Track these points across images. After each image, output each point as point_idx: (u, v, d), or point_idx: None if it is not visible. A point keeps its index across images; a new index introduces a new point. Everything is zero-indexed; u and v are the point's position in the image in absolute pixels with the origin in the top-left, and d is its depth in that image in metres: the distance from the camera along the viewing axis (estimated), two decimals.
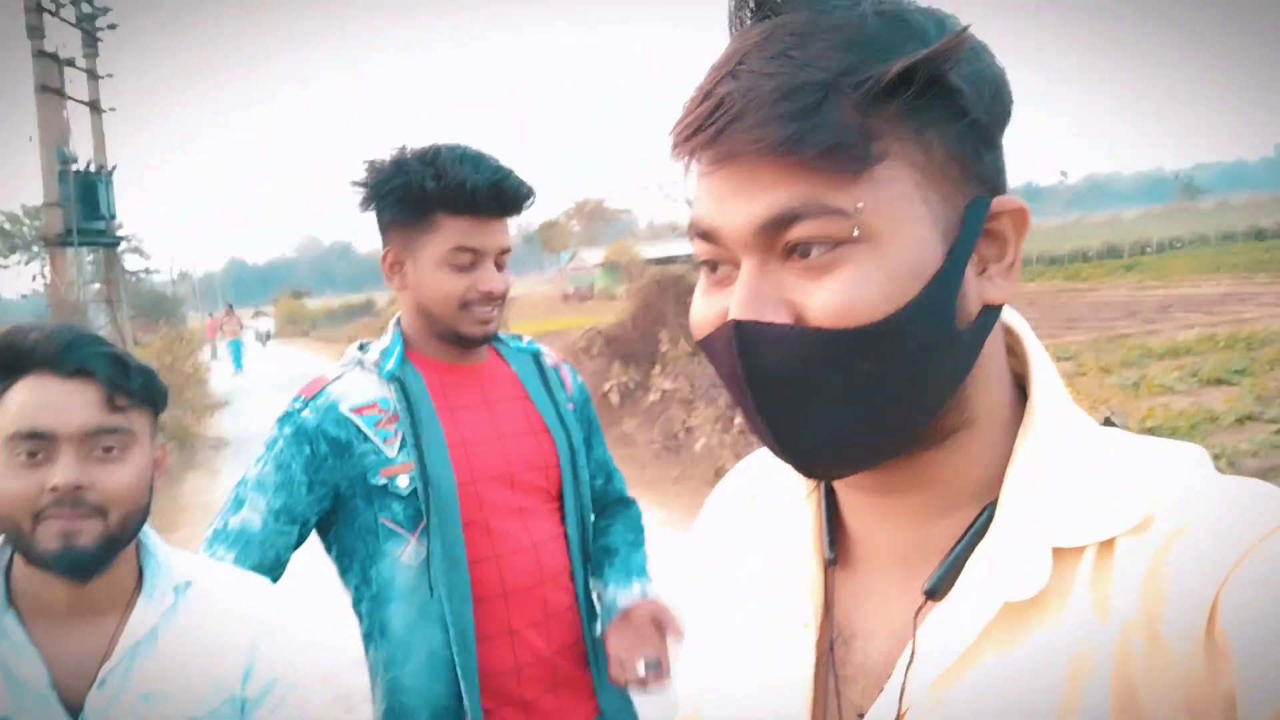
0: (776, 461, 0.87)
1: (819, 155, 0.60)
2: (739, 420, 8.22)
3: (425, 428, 1.72)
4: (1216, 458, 5.87)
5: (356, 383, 1.76)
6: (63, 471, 1.22)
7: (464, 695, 1.68)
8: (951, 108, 0.62)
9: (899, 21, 0.63)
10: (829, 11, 0.63)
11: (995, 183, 0.66)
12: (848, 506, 0.75)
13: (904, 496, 0.70)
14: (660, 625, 1.86)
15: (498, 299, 1.76)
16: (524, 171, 1.79)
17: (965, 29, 0.62)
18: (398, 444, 1.70)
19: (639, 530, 2.06)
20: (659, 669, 1.79)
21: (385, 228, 1.79)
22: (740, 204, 0.63)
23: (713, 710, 0.82)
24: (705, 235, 0.66)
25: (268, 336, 36.95)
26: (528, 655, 1.76)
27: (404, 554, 1.71)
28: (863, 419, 0.64)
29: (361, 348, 1.85)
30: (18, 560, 1.30)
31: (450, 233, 1.72)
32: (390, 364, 1.76)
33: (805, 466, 0.68)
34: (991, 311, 0.67)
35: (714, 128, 0.62)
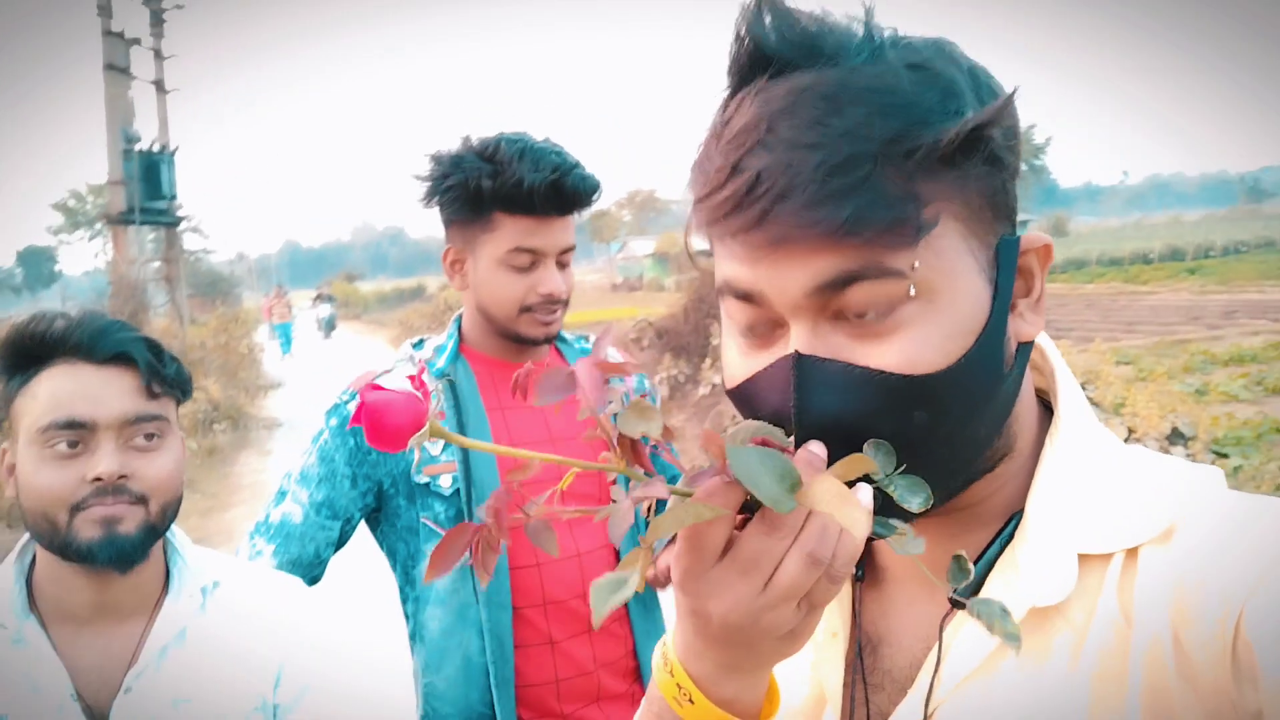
0: None
1: (878, 231, 0.58)
2: None
3: (472, 427, 1.66)
4: None
5: (405, 378, 1.71)
6: (105, 461, 1.17)
7: (497, 705, 1.63)
8: (987, 159, 0.62)
9: (932, 77, 0.61)
10: (856, 69, 0.60)
11: (1014, 215, 0.67)
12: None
13: (936, 518, 0.69)
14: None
15: (560, 301, 1.70)
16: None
17: (1013, 92, 0.61)
18: (442, 443, 1.66)
19: None
20: None
21: (446, 224, 1.74)
22: (789, 268, 0.60)
23: None
24: (744, 297, 0.64)
25: (330, 326, 30.50)
26: (569, 668, 1.69)
27: None
28: (924, 467, 0.61)
29: (416, 345, 1.80)
30: (40, 562, 1.24)
31: (509, 233, 1.65)
32: (441, 361, 1.71)
33: None
34: (1025, 348, 0.67)
35: (758, 209, 0.58)
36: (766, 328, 0.64)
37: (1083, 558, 0.64)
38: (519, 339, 1.71)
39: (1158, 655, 0.59)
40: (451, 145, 1.71)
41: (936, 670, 0.67)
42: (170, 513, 1.25)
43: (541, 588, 1.68)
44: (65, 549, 1.18)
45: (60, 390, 1.19)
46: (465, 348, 1.77)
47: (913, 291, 0.60)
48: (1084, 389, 5.68)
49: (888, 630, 0.74)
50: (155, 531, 1.23)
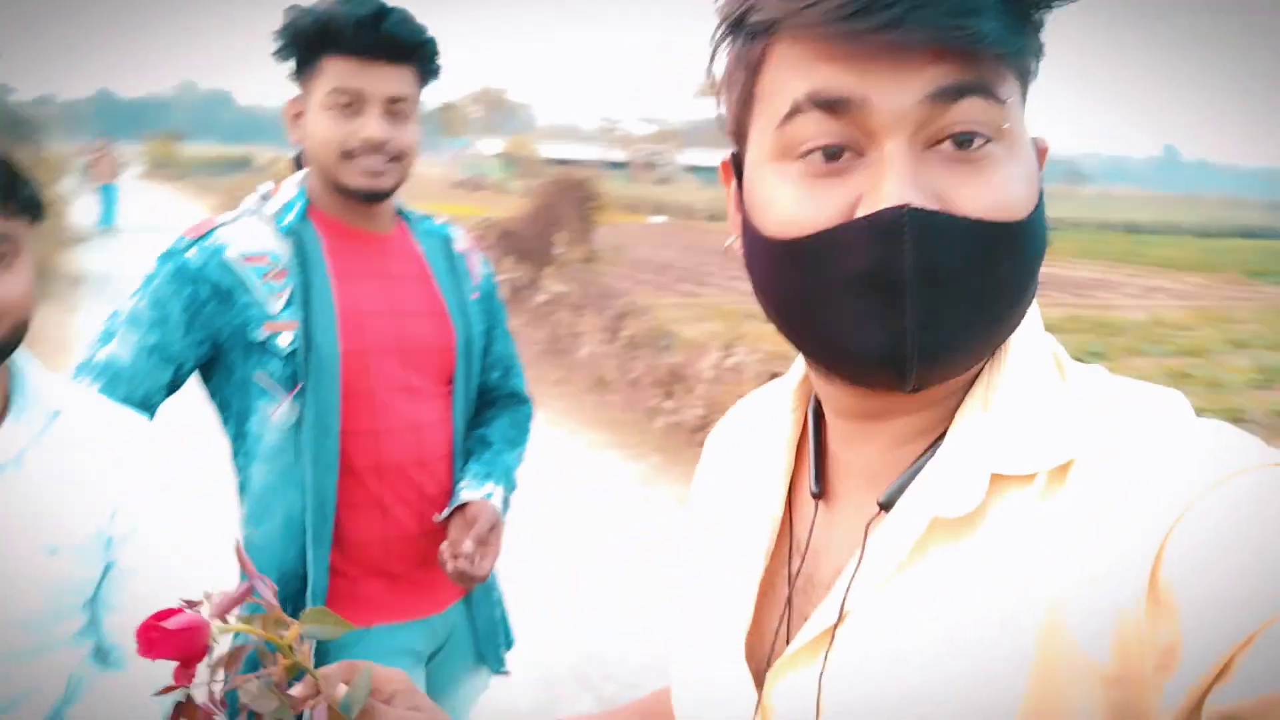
0: (765, 394, 0.89)
1: (1008, 50, 0.59)
2: (625, 332, 8.21)
3: (315, 289, 1.64)
4: None
5: (250, 230, 1.67)
6: None
7: (309, 563, 1.65)
8: (1039, 37, 0.64)
9: None
10: None
11: None
12: (834, 432, 0.75)
13: (892, 420, 0.69)
14: (489, 533, 1.75)
15: (384, 150, 1.67)
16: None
17: None
18: (284, 300, 1.63)
19: (523, 430, 2.00)
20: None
21: (294, 80, 1.73)
22: (905, 72, 0.58)
23: (681, 620, 0.85)
24: (839, 108, 0.60)
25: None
26: (397, 531, 1.73)
27: (275, 414, 1.65)
28: (989, 322, 0.63)
29: (265, 197, 1.75)
30: None
31: (331, 74, 1.65)
32: (289, 218, 1.68)
33: (924, 372, 0.62)
34: None
35: (893, 12, 0.56)
36: (849, 156, 0.61)
37: (1002, 478, 0.63)
38: (346, 191, 1.69)
39: (1065, 583, 0.58)
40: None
41: (855, 571, 0.66)
42: (17, 334, 1.23)
43: (377, 453, 1.70)
44: None
45: None
46: (313, 209, 1.73)
47: (1006, 125, 0.60)
48: None
49: (821, 537, 0.74)
50: None
